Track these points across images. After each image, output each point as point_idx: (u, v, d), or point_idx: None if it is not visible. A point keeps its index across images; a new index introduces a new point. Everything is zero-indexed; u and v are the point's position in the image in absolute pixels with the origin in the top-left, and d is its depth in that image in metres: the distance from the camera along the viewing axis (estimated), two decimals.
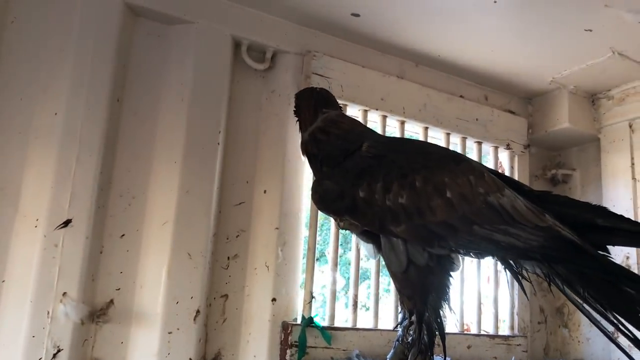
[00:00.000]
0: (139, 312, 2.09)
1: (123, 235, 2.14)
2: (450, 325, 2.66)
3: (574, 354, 3.00)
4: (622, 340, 1.71)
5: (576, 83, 2.96)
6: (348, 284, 2.55)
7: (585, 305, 1.77)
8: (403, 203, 1.66)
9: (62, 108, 2.04)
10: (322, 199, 1.76)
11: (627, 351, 1.76)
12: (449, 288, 1.81)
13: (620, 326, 1.71)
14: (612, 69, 2.76)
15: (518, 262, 1.83)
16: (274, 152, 2.41)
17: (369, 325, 2.50)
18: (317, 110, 2.00)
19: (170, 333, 2.06)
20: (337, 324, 2.40)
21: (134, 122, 2.22)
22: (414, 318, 1.78)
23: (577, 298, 1.77)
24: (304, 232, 2.42)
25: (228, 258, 2.32)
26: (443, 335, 1.80)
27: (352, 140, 1.87)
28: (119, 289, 2.09)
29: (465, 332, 2.76)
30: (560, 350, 3.08)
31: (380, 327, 2.50)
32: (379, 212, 1.68)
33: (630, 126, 2.93)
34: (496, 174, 1.89)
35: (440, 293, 1.79)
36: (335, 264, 2.45)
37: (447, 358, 1.84)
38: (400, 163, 1.74)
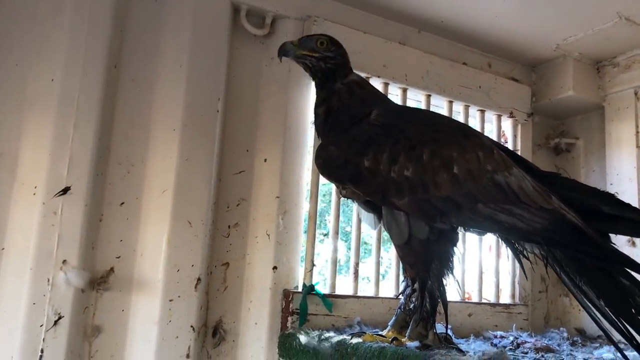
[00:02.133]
0: (139, 280, 2.08)
1: (123, 203, 2.12)
2: (452, 293, 2.67)
3: (574, 323, 3.01)
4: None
5: (581, 50, 2.91)
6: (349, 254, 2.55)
7: (578, 292, 1.76)
8: (408, 176, 1.64)
9: (59, 74, 2.01)
10: (326, 165, 1.73)
11: (616, 342, 1.76)
12: (452, 257, 1.80)
13: (612, 318, 1.70)
14: (618, 34, 2.71)
15: (519, 242, 1.82)
16: (274, 120, 2.38)
17: (370, 293, 2.50)
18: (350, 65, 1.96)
19: (171, 301, 2.06)
20: (338, 292, 2.40)
21: (131, 88, 2.19)
22: (416, 286, 1.77)
23: (571, 285, 1.76)
24: (305, 201, 2.40)
25: (229, 226, 2.31)
26: (445, 303, 1.79)
27: (369, 104, 1.83)
28: (119, 257, 2.08)
29: (467, 300, 2.76)
30: (560, 318, 3.08)
31: (381, 295, 2.50)
32: (382, 183, 1.65)
33: (636, 94, 2.88)
34: (504, 151, 1.85)
35: (443, 262, 1.78)
36: (336, 232, 2.44)
37: (448, 326, 1.84)
38: (408, 134, 1.70)
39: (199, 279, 2.12)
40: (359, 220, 2.49)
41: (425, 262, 1.75)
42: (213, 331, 2.22)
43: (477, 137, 1.79)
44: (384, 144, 1.68)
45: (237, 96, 2.38)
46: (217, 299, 2.25)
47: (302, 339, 2.00)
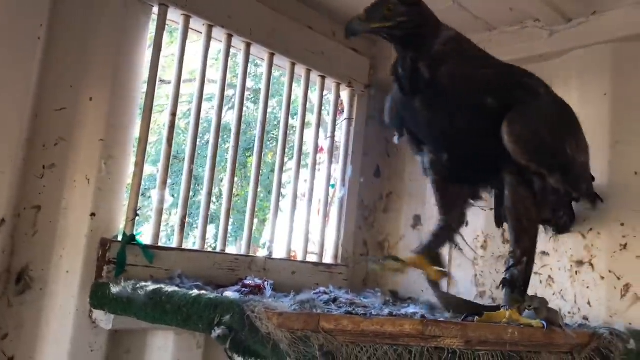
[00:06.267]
0: None
1: None
2: (279, 251, 2.73)
3: (390, 286, 3.22)
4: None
5: None
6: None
7: None
8: None
9: None
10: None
11: None
12: None
13: None
14: (451, 18, 2.81)
15: None
16: (104, 56, 2.20)
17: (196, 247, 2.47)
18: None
19: None
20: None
21: None
22: None
23: None
24: (132, 147, 2.28)
25: (43, 167, 2.11)
26: None
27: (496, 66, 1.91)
28: None
29: (292, 259, 2.83)
30: (378, 281, 3.28)
31: (207, 249, 2.48)
32: None
33: None
34: None
35: None
36: (164, 183, 2.35)
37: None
38: None
39: (3, 220, 1.93)
40: (190, 172, 2.44)
41: None
42: (17, 278, 2.04)
43: None
44: None
45: (64, 26, 2.15)
46: (24, 244, 2.06)
47: (115, 288, 1.92)
